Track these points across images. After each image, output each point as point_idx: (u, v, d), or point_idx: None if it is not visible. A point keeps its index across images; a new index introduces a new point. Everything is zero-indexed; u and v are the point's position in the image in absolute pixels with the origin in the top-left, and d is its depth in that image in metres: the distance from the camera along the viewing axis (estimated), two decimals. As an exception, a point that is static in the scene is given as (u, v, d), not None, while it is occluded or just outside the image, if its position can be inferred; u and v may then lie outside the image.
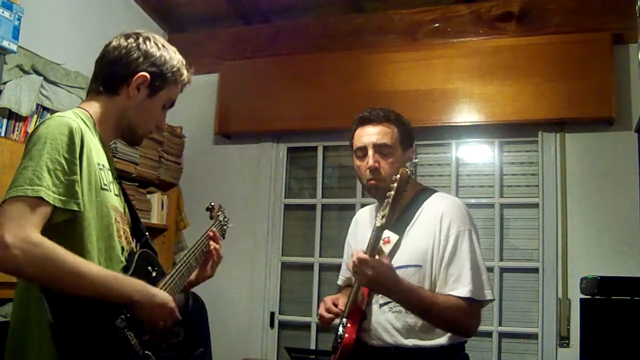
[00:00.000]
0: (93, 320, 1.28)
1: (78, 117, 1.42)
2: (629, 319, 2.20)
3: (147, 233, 1.59)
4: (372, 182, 1.95)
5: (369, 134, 1.96)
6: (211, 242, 1.78)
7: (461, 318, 1.83)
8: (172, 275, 1.54)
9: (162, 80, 1.52)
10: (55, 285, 1.25)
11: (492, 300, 1.90)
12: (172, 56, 1.55)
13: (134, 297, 1.33)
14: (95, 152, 1.41)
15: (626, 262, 2.82)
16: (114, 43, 1.52)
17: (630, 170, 2.83)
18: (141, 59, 1.50)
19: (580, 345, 2.35)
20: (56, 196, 1.27)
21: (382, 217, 1.75)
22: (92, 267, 1.30)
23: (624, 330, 2.19)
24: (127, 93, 1.49)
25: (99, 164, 1.41)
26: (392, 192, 1.73)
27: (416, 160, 1.79)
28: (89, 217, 1.35)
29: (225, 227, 1.98)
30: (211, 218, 1.97)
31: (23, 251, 1.20)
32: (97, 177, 1.39)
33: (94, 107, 1.49)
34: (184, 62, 1.59)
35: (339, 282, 2.28)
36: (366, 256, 1.77)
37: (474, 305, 1.83)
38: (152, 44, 1.53)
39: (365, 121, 2.00)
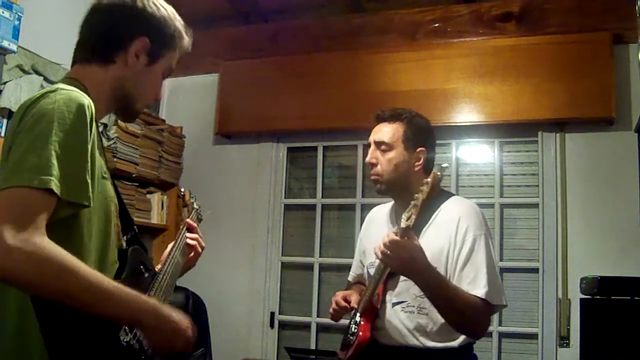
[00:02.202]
0: (93, 331, 1.11)
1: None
2: (629, 319, 2.20)
3: (135, 226, 1.41)
4: (372, 177, 2.04)
5: (374, 132, 2.06)
6: (188, 235, 1.71)
7: (478, 318, 1.83)
8: (163, 275, 1.45)
9: (163, 46, 1.34)
10: (61, 299, 1.04)
11: (504, 307, 1.91)
12: (172, 17, 1.35)
13: (143, 321, 1.17)
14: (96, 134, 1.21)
15: (626, 262, 2.82)
16: (105, 1, 1.32)
17: (630, 170, 2.83)
18: (139, 20, 1.30)
19: (580, 345, 2.34)
20: (66, 189, 1.06)
21: (408, 218, 1.74)
22: (106, 282, 1.09)
23: (624, 330, 2.19)
24: (125, 60, 1.29)
25: (98, 148, 1.23)
26: (421, 196, 1.71)
27: (446, 165, 1.77)
28: (92, 211, 1.17)
29: (201, 214, 1.89)
30: (184, 206, 1.91)
31: (28, 256, 0.99)
32: (99, 164, 1.20)
33: (86, 78, 1.27)
34: (183, 23, 1.39)
35: (350, 278, 2.29)
36: (398, 238, 1.74)
37: (488, 307, 1.83)
38: (150, 3, 1.32)
39: (375, 119, 2.09)
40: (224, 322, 3.42)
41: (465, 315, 1.80)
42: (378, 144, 2.01)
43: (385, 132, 2.02)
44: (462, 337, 1.87)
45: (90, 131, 1.15)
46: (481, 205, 3.25)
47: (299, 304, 3.61)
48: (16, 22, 2.38)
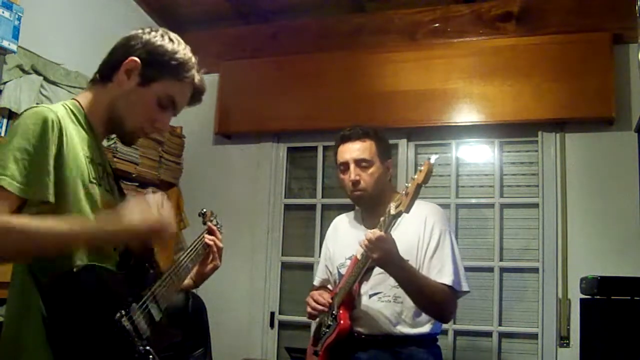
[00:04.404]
0: (90, 315, 1.23)
1: (65, 108, 1.37)
2: (629, 319, 2.20)
3: None
4: (356, 193, 2.18)
5: (350, 150, 2.19)
6: (206, 236, 1.82)
7: (445, 302, 2.06)
8: (168, 274, 1.53)
9: (157, 70, 1.43)
10: (24, 254, 1.23)
11: (467, 292, 2.12)
12: (177, 49, 1.46)
13: (106, 236, 1.32)
14: (82, 145, 1.36)
15: (626, 262, 2.82)
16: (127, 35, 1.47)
17: (630, 170, 2.83)
18: (138, 46, 1.42)
19: (580, 345, 2.34)
20: (19, 186, 1.23)
21: (396, 207, 1.84)
22: (61, 222, 1.24)
23: (624, 330, 2.19)
24: (118, 79, 1.42)
25: (87, 157, 1.36)
26: (414, 183, 1.79)
27: (436, 156, 1.83)
28: (71, 210, 1.30)
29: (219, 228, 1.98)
30: (204, 224, 1.99)
31: None
32: (82, 170, 1.34)
33: (86, 98, 1.44)
34: (194, 60, 1.50)
35: (315, 282, 2.48)
36: (384, 234, 1.89)
37: (453, 293, 2.07)
38: (158, 35, 1.45)
39: (345, 138, 2.23)
40: (224, 322, 3.42)
41: (434, 301, 2.03)
42: (358, 162, 2.16)
43: (362, 149, 2.17)
44: (430, 324, 2.10)
45: (60, 140, 1.29)
46: (481, 205, 3.32)
47: (299, 304, 3.59)
48: (16, 22, 2.38)
